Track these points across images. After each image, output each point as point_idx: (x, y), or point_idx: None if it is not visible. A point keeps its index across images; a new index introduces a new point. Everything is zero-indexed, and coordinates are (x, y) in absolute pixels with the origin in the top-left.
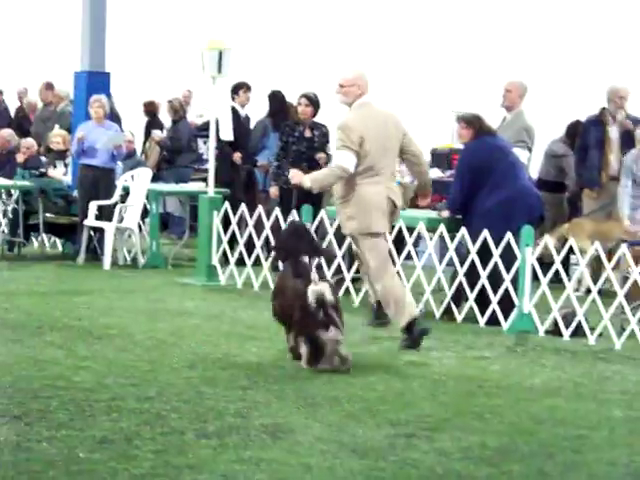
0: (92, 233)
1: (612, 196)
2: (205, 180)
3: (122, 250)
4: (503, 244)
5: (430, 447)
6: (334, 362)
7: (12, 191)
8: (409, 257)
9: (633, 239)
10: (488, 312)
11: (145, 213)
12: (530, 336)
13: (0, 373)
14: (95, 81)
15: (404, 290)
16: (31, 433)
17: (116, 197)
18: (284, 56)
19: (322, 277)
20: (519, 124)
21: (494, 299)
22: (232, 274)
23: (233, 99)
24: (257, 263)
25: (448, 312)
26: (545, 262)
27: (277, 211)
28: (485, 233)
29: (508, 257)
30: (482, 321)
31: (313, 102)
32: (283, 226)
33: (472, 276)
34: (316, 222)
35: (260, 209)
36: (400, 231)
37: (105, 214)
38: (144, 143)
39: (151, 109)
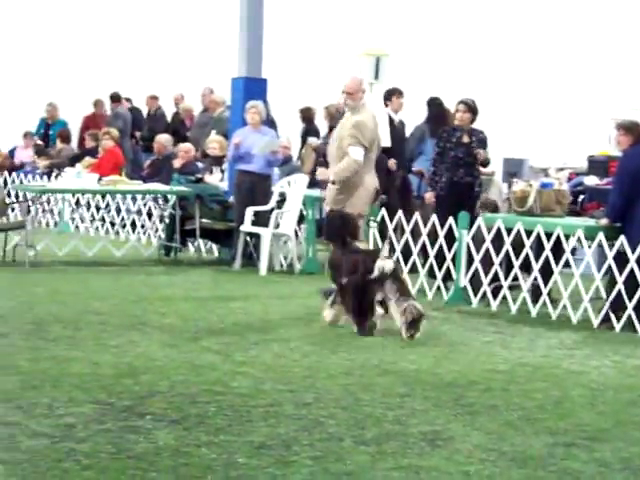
0: (248, 239)
1: None
2: None
3: (278, 256)
4: None
5: (590, 457)
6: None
7: (169, 196)
8: (567, 265)
9: None
10: None
11: (301, 219)
12: None
13: (158, 378)
14: (252, 87)
15: None
16: (190, 438)
17: (272, 203)
18: (440, 62)
19: (388, 257)
20: None
21: None
22: None
23: (386, 105)
24: (414, 270)
25: (606, 320)
26: None
27: (433, 217)
28: None
29: None
30: None
31: (471, 108)
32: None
33: (631, 284)
34: (473, 230)
35: (417, 215)
36: (558, 239)
37: (261, 220)
38: (300, 149)
39: (307, 115)
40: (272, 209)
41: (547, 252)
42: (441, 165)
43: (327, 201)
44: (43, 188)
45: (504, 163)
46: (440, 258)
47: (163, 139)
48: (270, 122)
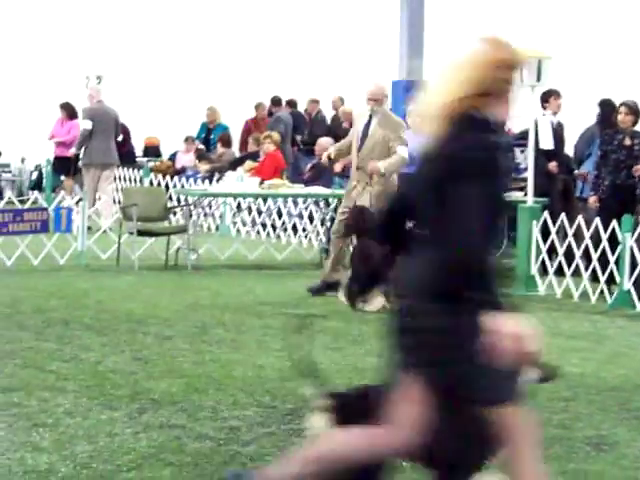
0: None
1: None
2: (522, 189)
3: None
4: None
5: None
6: None
7: (330, 200)
8: None
9: None
10: None
11: None
12: None
13: (322, 380)
14: (412, 90)
15: None
16: None
17: None
18: (603, 63)
19: None
20: None
21: None
22: (551, 284)
23: (544, 107)
24: (576, 273)
25: None
26: None
27: (597, 220)
28: None
29: None
30: None
31: (633, 110)
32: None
33: None
34: (637, 232)
35: (580, 219)
36: None
37: None
38: None
39: None
40: None
41: None
42: (604, 168)
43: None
44: (204, 192)
45: None
46: (603, 261)
47: (324, 142)
48: None
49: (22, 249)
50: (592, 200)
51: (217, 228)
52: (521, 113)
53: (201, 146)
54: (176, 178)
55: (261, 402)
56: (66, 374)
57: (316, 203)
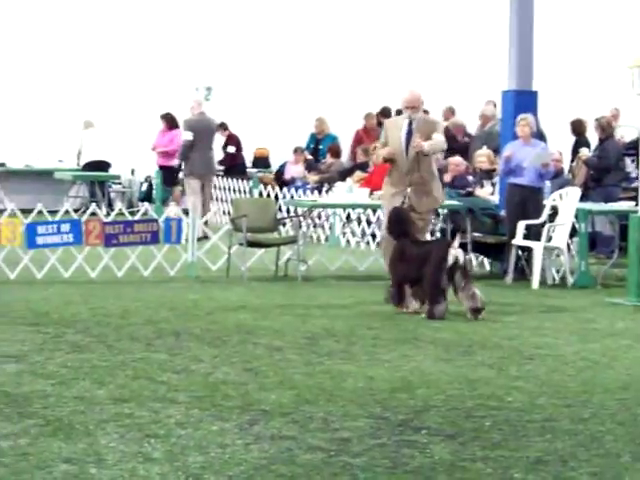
0: (520, 252)
1: None
2: (633, 199)
3: (550, 269)
4: None
5: None
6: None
7: (440, 210)
8: None
9: None
10: None
11: (573, 232)
12: None
13: (433, 392)
14: (522, 100)
15: None
16: (465, 453)
17: (544, 216)
18: None
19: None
20: None
21: None
22: None
23: None
24: None
25: None
26: None
27: None
28: None
29: None
30: None
31: None
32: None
33: None
34: None
35: None
36: None
37: (533, 233)
38: (571, 162)
39: (578, 128)
40: (544, 222)
41: None
42: None
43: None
44: (314, 203)
45: None
46: None
47: None
48: (540, 135)
49: (132, 260)
50: None
51: (326, 239)
52: (632, 122)
53: (310, 157)
54: (285, 189)
55: (372, 413)
56: (177, 385)
57: None
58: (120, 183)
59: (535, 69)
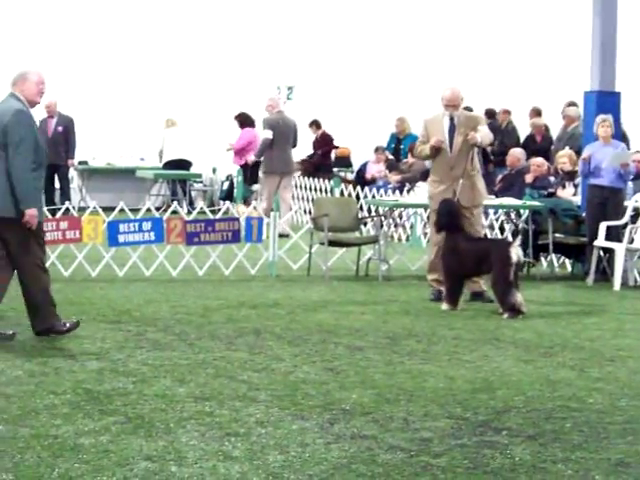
0: (602, 254)
1: None
2: None
3: (632, 271)
4: None
5: None
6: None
7: (521, 211)
8: None
9: None
10: None
11: None
12: None
13: (513, 393)
14: (605, 101)
15: None
16: (546, 454)
17: (626, 217)
18: None
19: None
20: None
21: None
22: None
23: None
24: None
25: None
26: None
27: None
28: None
29: None
30: None
31: None
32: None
33: None
34: None
35: None
36: None
37: (614, 234)
38: None
39: None
40: (626, 224)
41: None
42: None
43: (469, 192)
44: (395, 203)
45: None
46: None
47: (517, 152)
48: (622, 136)
49: (213, 259)
50: None
51: (407, 239)
52: None
53: (391, 156)
54: (367, 188)
55: (453, 414)
56: (257, 384)
57: (507, 214)
58: (201, 182)
59: (618, 70)
